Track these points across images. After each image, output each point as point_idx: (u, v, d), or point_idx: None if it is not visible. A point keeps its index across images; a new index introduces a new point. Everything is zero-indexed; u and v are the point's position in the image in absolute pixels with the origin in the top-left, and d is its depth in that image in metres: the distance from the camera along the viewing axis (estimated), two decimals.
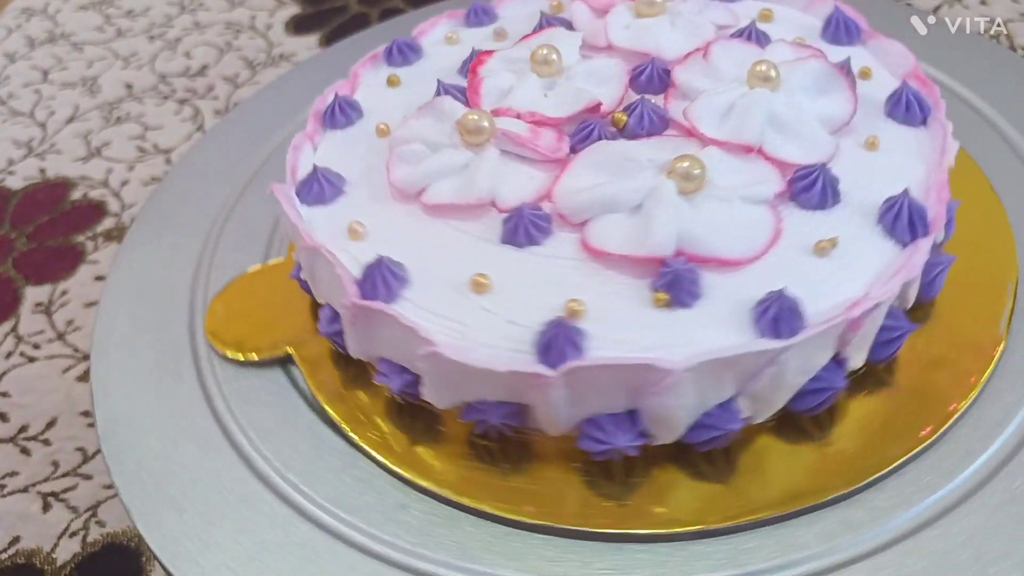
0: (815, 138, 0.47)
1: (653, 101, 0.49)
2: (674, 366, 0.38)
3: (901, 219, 0.44)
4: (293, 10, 1.06)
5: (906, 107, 0.51)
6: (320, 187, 0.49)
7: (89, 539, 0.55)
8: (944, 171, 0.46)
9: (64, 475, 0.59)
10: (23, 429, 0.62)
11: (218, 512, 0.45)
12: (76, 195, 0.84)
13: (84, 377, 0.60)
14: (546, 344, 0.39)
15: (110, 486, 0.55)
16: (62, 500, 0.58)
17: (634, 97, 0.50)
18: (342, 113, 0.53)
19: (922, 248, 0.43)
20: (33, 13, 1.08)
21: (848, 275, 0.42)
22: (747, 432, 0.43)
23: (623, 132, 0.47)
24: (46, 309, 0.72)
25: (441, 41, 0.59)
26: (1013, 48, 0.80)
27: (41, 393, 0.64)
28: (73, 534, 0.56)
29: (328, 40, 0.99)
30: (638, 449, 0.41)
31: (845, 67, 0.49)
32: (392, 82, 0.55)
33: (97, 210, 0.83)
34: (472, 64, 0.51)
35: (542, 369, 0.39)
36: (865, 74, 0.52)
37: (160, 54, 1.00)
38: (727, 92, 0.48)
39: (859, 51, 0.55)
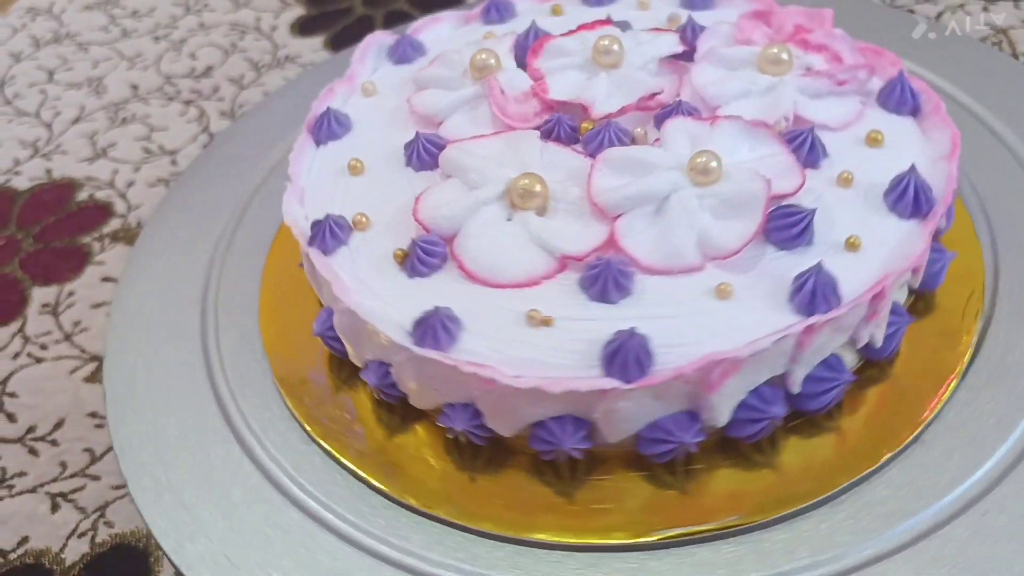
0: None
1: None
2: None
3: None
4: (298, 12, 1.07)
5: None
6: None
7: (98, 539, 0.56)
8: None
9: (72, 476, 0.60)
10: (31, 430, 0.63)
11: (230, 515, 0.49)
12: (82, 196, 0.85)
13: (91, 378, 0.60)
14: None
15: (118, 487, 0.57)
16: (71, 500, 0.58)
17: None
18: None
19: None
20: (38, 13, 1.09)
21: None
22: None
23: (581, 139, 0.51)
24: (53, 310, 0.72)
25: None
26: (1015, 55, 0.82)
27: (48, 394, 0.64)
28: (82, 535, 0.56)
29: (333, 42, 1.01)
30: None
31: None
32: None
33: (103, 211, 0.83)
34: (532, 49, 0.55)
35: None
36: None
37: (165, 55, 1.01)
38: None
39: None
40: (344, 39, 1.01)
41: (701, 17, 0.59)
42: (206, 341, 0.56)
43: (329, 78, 0.62)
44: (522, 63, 0.54)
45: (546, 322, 0.43)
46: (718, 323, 0.42)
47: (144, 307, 0.57)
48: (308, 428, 0.50)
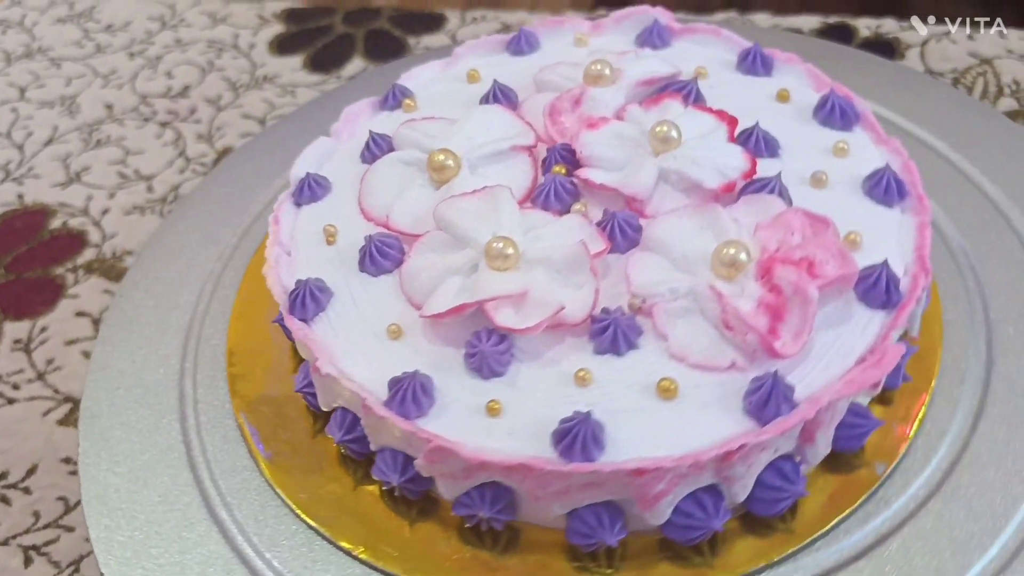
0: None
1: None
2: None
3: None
4: (277, 29, 1.04)
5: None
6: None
7: None
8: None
9: (46, 526, 0.58)
10: (3, 476, 0.61)
11: None
12: (55, 223, 0.82)
13: (65, 420, 0.58)
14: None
15: None
16: (44, 554, 0.57)
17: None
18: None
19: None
20: (9, 26, 1.05)
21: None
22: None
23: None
24: (25, 347, 0.70)
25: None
26: (999, 86, 0.84)
27: (21, 437, 0.63)
28: None
29: (312, 62, 0.99)
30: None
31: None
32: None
33: (77, 240, 0.81)
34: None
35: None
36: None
37: (141, 72, 0.98)
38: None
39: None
40: (324, 59, 1.00)
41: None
42: (183, 406, 0.59)
43: (323, 110, 0.68)
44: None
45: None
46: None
47: (123, 360, 0.60)
48: (292, 506, 0.53)
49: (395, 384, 0.46)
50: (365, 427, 0.46)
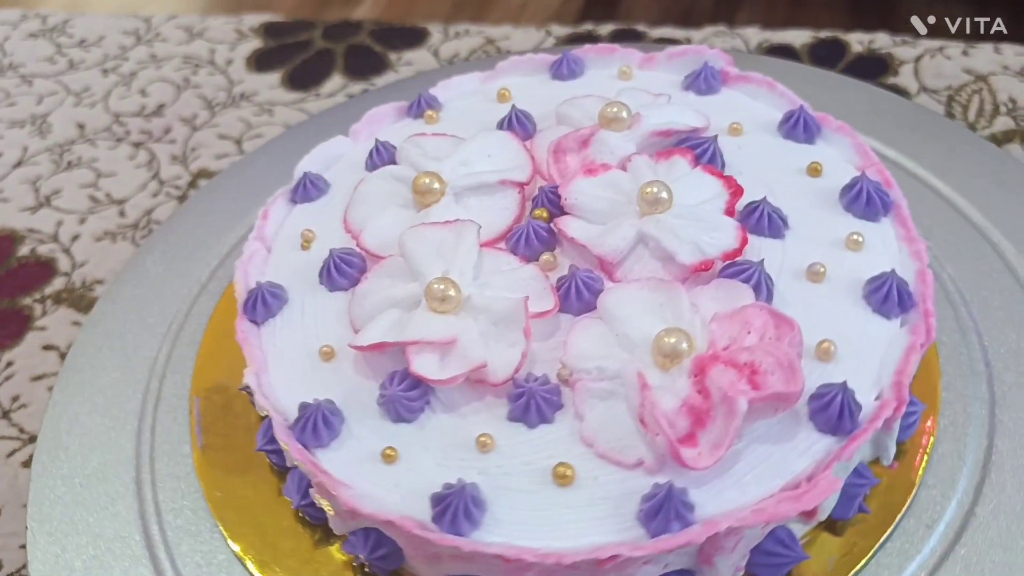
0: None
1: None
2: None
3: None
4: (255, 44, 1.11)
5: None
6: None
7: None
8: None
9: None
10: None
11: None
12: (24, 250, 0.88)
13: (30, 462, 0.62)
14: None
15: None
16: None
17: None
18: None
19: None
20: None
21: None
22: None
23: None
24: None
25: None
26: (995, 104, 0.87)
27: None
28: None
29: (291, 79, 1.05)
30: None
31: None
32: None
33: (46, 268, 0.86)
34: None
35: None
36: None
37: (114, 90, 1.06)
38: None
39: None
40: (303, 75, 1.07)
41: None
42: (139, 468, 0.59)
43: (306, 136, 0.70)
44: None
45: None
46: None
47: (83, 404, 0.62)
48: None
49: (303, 410, 0.50)
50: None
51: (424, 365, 0.49)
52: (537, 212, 0.57)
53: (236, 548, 0.53)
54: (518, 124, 0.64)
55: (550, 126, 0.63)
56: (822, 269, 0.53)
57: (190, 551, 0.54)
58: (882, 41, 0.98)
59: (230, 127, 0.98)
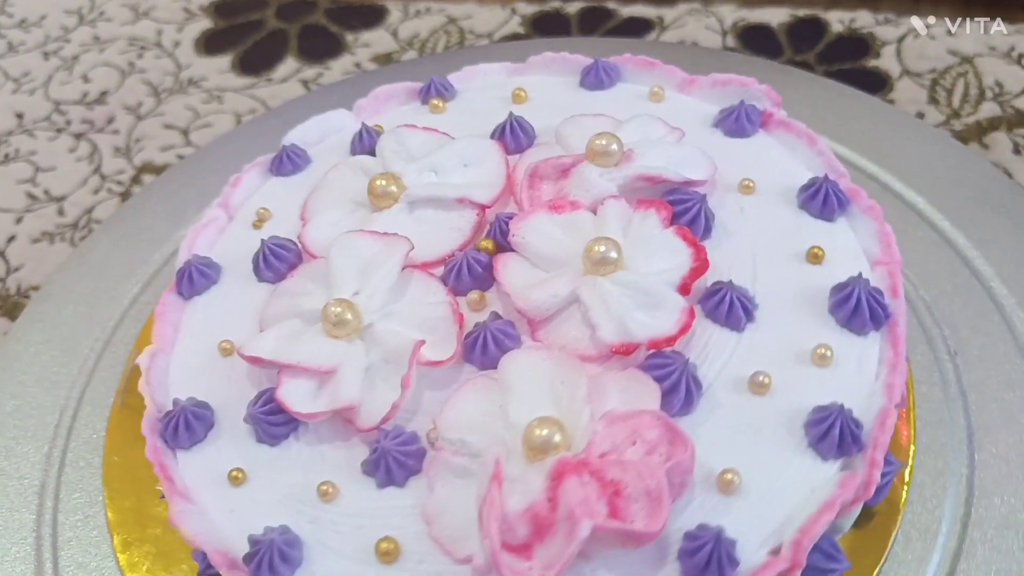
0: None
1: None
2: None
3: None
4: (204, 24, 1.12)
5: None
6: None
7: None
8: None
9: None
10: None
11: None
12: None
13: None
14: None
15: None
16: None
17: None
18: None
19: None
20: None
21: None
22: None
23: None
24: None
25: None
26: (981, 88, 0.84)
27: None
28: None
29: (242, 63, 1.05)
30: None
31: None
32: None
33: None
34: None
35: None
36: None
37: (55, 75, 1.07)
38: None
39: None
40: (254, 59, 1.06)
41: None
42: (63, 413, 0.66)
43: (263, 136, 0.70)
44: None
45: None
46: None
47: None
48: None
49: (174, 406, 0.53)
50: None
51: (291, 392, 0.52)
52: (483, 242, 0.60)
53: (110, 516, 0.60)
54: (511, 135, 0.66)
55: (548, 142, 0.65)
56: (767, 381, 0.52)
57: (74, 508, 0.60)
58: (863, 20, 1.00)
59: (177, 116, 1.07)
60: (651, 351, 0.48)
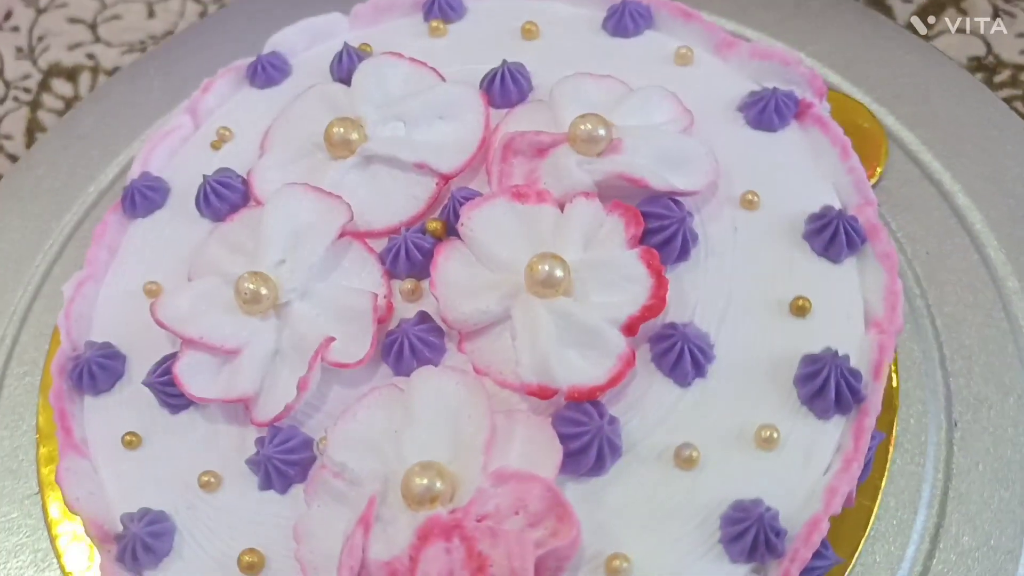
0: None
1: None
2: None
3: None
4: None
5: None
6: None
7: None
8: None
9: None
10: None
11: None
12: None
13: None
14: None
15: None
16: None
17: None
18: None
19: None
20: None
21: None
22: None
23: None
24: None
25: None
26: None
27: None
28: None
29: None
30: None
31: None
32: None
33: None
34: None
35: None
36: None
37: None
38: None
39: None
40: None
41: None
42: None
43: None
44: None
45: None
46: None
47: None
48: None
49: (87, 348, 0.51)
50: None
51: (188, 369, 0.49)
52: (432, 222, 0.53)
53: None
54: (500, 87, 0.57)
55: (541, 100, 0.57)
56: (695, 455, 0.45)
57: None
58: None
59: (81, 7, 0.91)
60: (567, 401, 0.42)
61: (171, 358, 0.50)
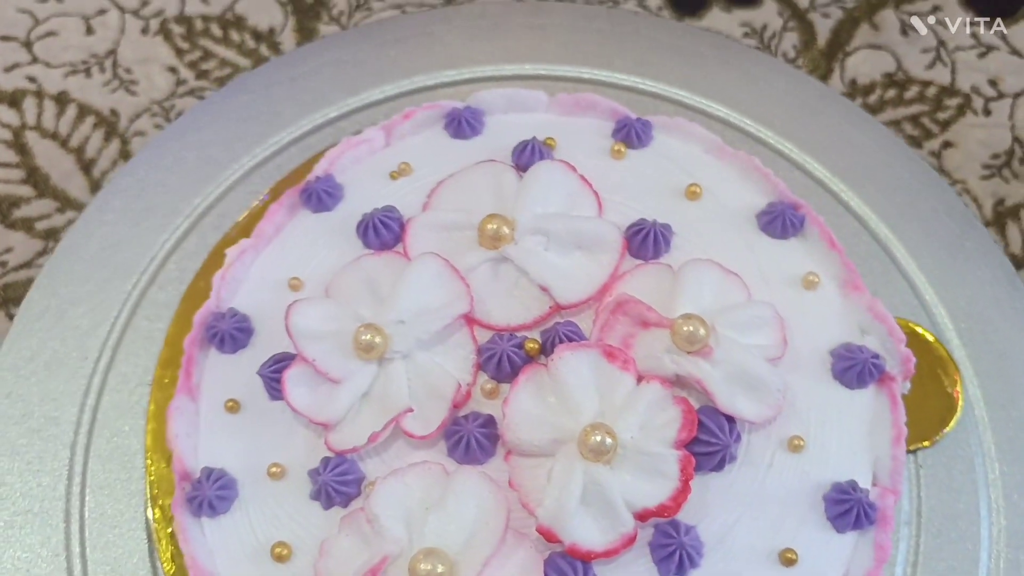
0: None
1: None
2: None
3: None
4: None
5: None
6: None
7: None
8: None
9: None
10: None
11: None
12: None
13: None
14: None
15: None
16: None
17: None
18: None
19: None
20: None
21: None
22: None
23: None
24: None
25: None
26: None
27: None
28: None
29: None
30: None
31: None
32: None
33: None
34: None
35: None
36: None
37: None
38: None
39: None
40: None
41: None
42: None
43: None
44: None
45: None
46: None
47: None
48: None
49: (229, 315, 0.58)
50: None
51: (295, 377, 0.54)
52: (530, 343, 0.59)
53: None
54: (641, 244, 0.58)
55: (669, 266, 0.58)
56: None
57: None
58: None
59: (10, 22, 0.79)
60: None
61: (286, 358, 0.58)
